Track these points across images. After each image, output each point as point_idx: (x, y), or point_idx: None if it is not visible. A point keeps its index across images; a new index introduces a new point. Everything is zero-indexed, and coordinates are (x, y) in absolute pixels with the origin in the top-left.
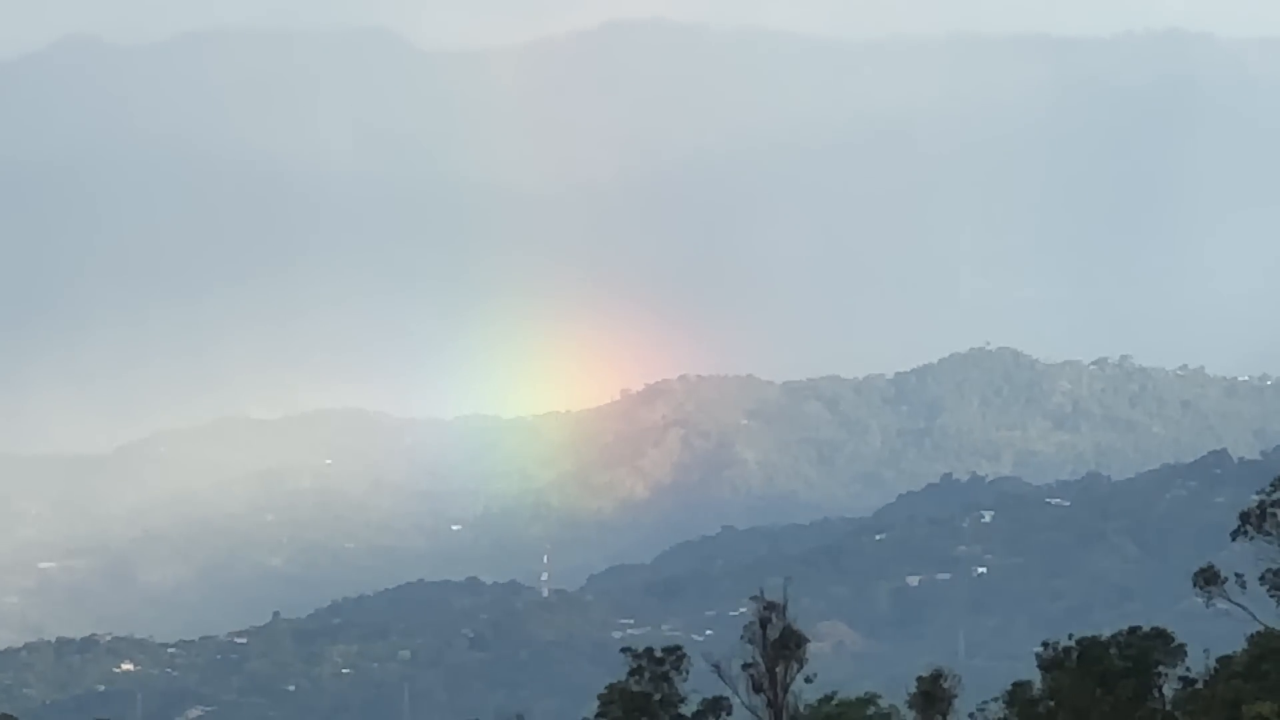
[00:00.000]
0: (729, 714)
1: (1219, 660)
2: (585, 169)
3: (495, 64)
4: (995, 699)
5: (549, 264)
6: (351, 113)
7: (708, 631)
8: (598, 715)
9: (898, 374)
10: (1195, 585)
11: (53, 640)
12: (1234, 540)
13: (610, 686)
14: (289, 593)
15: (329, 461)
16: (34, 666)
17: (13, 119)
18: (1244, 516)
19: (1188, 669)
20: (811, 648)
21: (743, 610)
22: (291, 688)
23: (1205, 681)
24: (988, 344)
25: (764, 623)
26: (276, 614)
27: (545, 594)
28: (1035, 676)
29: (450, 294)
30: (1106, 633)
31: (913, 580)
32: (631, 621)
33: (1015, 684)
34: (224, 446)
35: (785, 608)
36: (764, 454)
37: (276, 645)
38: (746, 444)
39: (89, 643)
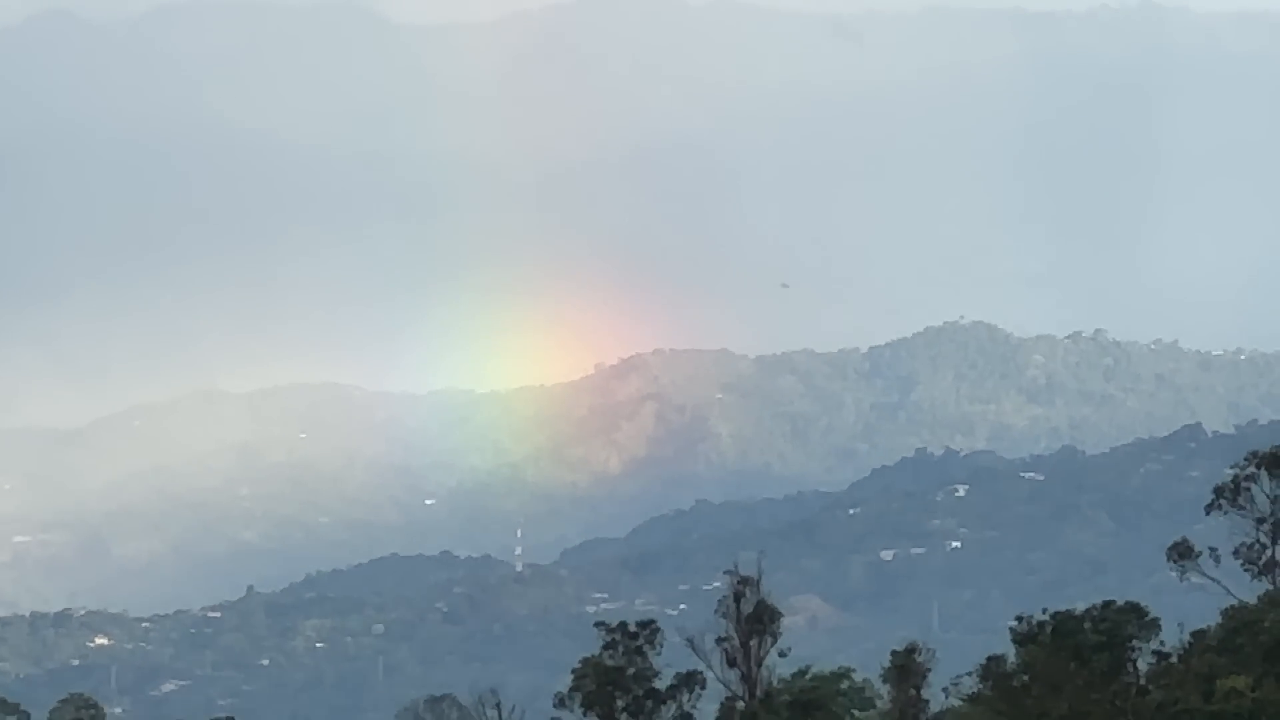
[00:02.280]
0: (703, 688)
1: (1193, 634)
2: (559, 143)
3: (469, 38)
4: (969, 673)
5: (523, 238)
6: (325, 87)
7: (681, 605)
8: (571, 689)
9: (872, 348)
10: (1169, 559)
11: (27, 614)
12: (1208, 514)
13: (584, 660)
14: (263, 567)
15: (303, 435)
16: (8, 640)
17: None
18: (1218, 491)
19: (1162, 643)
20: (785, 622)
21: (717, 584)
22: (265, 662)
23: (1179, 655)
24: (962, 318)
25: (738, 597)
26: (250, 588)
27: (519, 568)
28: (1009, 650)
29: (424, 268)
30: (1081, 606)
31: (887, 554)
32: (605, 595)
33: (989, 658)
34: (198, 420)
35: (759, 582)
36: (738, 428)
37: (250, 619)
38: (720, 418)
39: (63, 617)
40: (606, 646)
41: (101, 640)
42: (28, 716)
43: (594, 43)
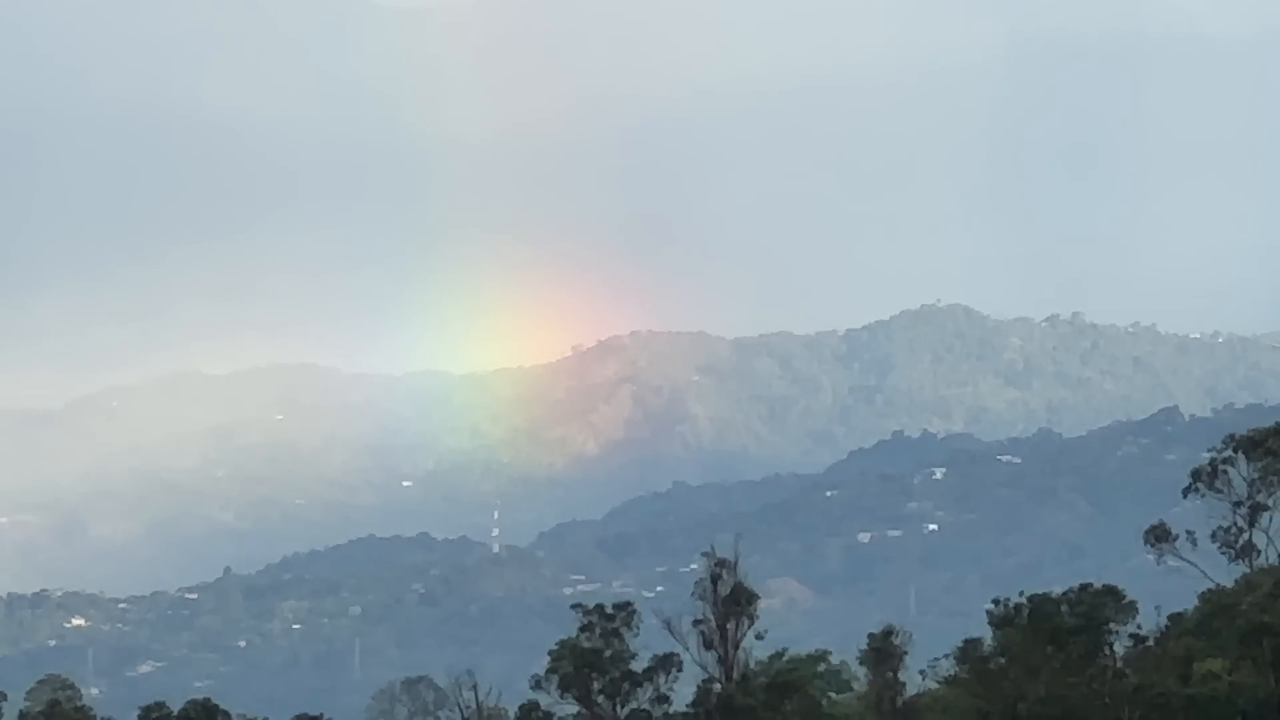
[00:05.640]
0: (679, 670)
1: (1170, 617)
2: (537, 124)
3: (447, 19)
4: (946, 655)
5: (501, 220)
6: (303, 68)
7: (658, 588)
8: (548, 671)
9: (849, 330)
10: (1146, 542)
11: (4, 596)
12: (1185, 498)
13: (561, 642)
14: (240, 548)
15: (280, 417)
16: None
17: None
18: (1195, 474)
19: (1139, 626)
20: (762, 604)
21: (694, 566)
22: (242, 643)
23: (1156, 639)
24: (939, 300)
25: (715, 579)
26: (227, 569)
27: (496, 550)
28: (986, 633)
29: (402, 250)
30: (1057, 590)
31: (864, 537)
32: (582, 577)
33: (966, 641)
34: (175, 401)
35: (736, 564)
36: (715, 410)
37: (227, 601)
38: (698, 400)
39: (40, 598)
40: (583, 628)
41: (78, 621)
42: (4, 698)
43: (571, 24)
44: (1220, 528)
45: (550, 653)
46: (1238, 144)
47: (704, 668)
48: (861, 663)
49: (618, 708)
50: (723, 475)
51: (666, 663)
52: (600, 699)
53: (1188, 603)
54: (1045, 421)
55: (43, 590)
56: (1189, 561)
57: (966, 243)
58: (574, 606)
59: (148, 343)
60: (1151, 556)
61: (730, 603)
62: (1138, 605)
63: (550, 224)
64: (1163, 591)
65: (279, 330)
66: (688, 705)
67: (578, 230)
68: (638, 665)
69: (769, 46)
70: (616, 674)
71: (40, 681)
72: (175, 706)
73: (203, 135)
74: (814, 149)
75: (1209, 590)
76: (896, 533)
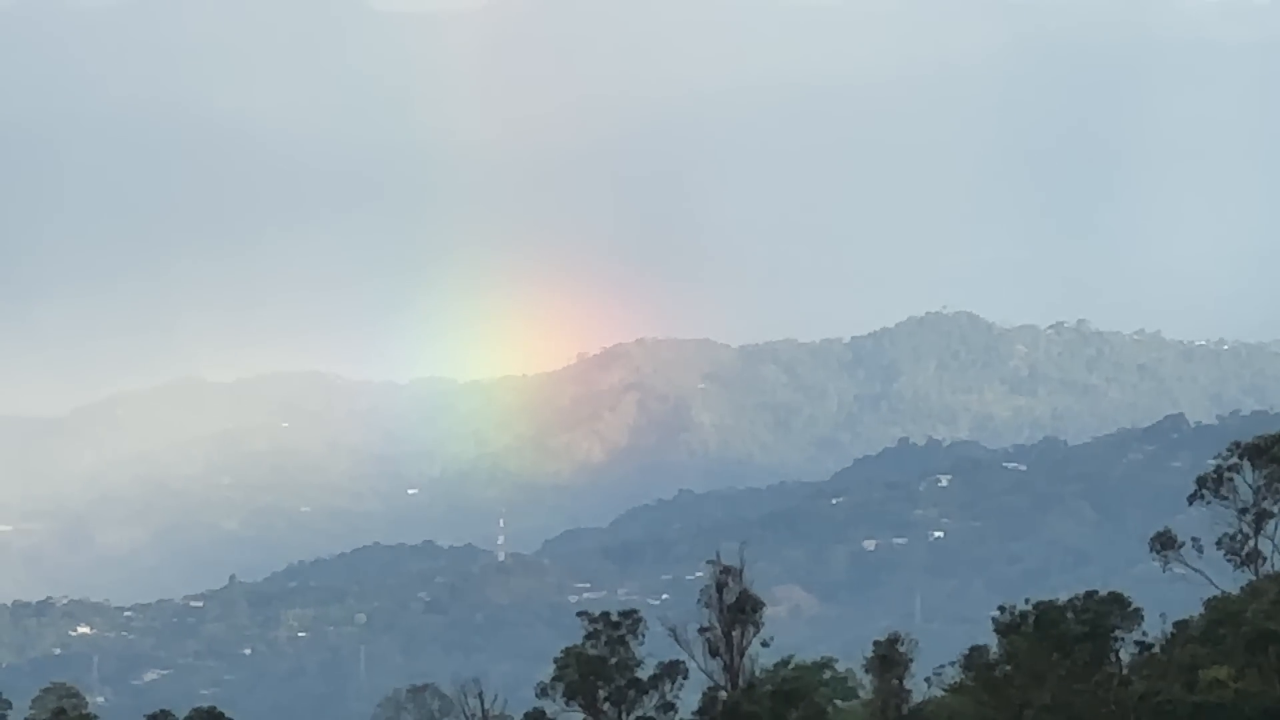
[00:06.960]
0: (685, 678)
1: (1175, 625)
2: (542, 130)
3: (451, 25)
4: (952, 663)
5: (505, 226)
6: (307, 74)
7: (664, 595)
8: (554, 679)
9: (854, 338)
10: (1152, 550)
11: (9, 604)
12: (1191, 505)
13: (566, 650)
14: (245, 556)
15: (285, 424)
16: None
17: None
18: (1201, 481)
19: (1144, 633)
20: (768, 612)
21: (699, 574)
22: (248, 651)
23: (1162, 646)
24: (944, 308)
25: (720, 587)
26: (233, 577)
27: (501, 558)
28: (992, 640)
29: (406, 257)
30: (1063, 597)
31: (869, 544)
32: (588, 585)
33: (972, 648)
34: (180, 409)
35: (742, 572)
36: (720, 418)
37: (233, 608)
38: (703, 408)
39: (45, 606)
40: (589, 636)
41: (84, 629)
42: (9, 706)
43: (576, 31)
44: (1226, 535)
45: (556, 660)
46: (1243, 149)
47: (709, 675)
48: (867, 670)
49: (623, 715)
50: (728, 483)
51: (672, 670)
52: (606, 707)
53: (1193, 610)
54: (1050, 429)
55: (48, 598)
56: (1194, 569)
57: (971, 249)
58: (579, 614)
59: (153, 350)
60: (1157, 563)
61: (736, 610)
62: (1143, 612)
63: (555, 230)
64: (1168, 598)
65: (283, 338)
66: (693, 713)
67: (583, 236)
68: (643, 673)
69: (774, 50)
70: (622, 682)
71: (45, 689)
72: (181, 714)
73: (207, 143)
74: (819, 154)
75: (1214, 597)
76: (902, 540)
